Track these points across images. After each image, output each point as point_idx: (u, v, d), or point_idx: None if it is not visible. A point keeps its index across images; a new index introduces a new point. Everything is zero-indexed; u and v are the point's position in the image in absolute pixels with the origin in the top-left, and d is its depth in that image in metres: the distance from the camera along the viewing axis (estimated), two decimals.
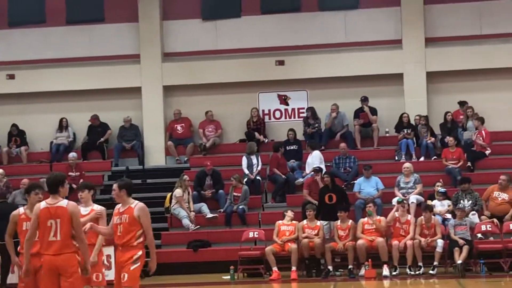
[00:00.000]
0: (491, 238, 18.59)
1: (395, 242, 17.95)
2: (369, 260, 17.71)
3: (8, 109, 24.19)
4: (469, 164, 21.07)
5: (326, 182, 19.23)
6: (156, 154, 23.68)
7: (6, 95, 24.07)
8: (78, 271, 9.46)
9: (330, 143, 22.76)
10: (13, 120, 23.96)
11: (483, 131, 21.60)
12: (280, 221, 18.71)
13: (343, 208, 18.60)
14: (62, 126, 23.69)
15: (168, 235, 20.41)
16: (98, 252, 10.77)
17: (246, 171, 21.59)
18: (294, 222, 18.69)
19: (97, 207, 10.92)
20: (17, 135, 23.95)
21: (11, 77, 24.03)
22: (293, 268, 17.93)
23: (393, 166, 21.38)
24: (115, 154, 23.43)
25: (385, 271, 17.71)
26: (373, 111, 22.88)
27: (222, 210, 20.67)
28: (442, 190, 19.40)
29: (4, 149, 23.84)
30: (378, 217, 18.47)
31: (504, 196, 18.97)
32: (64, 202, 9.53)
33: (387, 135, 23.07)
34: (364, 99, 22.81)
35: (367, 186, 20.27)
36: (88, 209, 10.90)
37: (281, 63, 23.47)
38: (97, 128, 23.66)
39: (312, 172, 20.41)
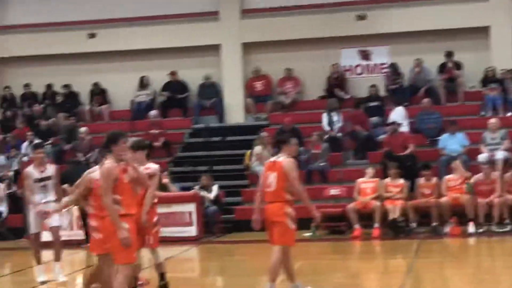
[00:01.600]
0: None
1: (480, 199, 17.51)
2: (454, 217, 17.33)
3: (90, 68, 24.40)
4: None
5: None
6: (235, 111, 23.61)
7: (88, 54, 24.27)
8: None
9: (413, 99, 22.27)
10: (95, 78, 24.20)
11: None
12: (361, 179, 18.46)
13: (426, 166, 18.23)
14: (143, 84, 23.78)
15: (248, 192, 20.34)
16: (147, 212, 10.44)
17: (327, 128, 21.32)
18: (375, 179, 18.42)
19: (152, 166, 10.49)
20: (99, 94, 24.19)
21: (92, 36, 24.22)
22: (376, 225, 17.68)
23: (479, 122, 20.81)
24: (195, 112, 23.44)
25: (471, 228, 17.32)
26: (458, 65, 22.27)
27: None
28: None
29: (87, 107, 24.11)
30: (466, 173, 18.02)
31: None
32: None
33: (472, 90, 22.45)
34: (448, 54, 22.21)
35: (452, 143, 19.75)
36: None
37: (362, 17, 23.02)
38: (176, 85, 23.68)
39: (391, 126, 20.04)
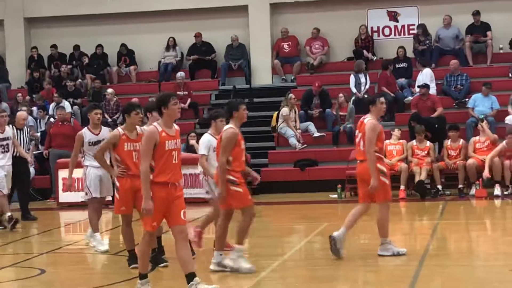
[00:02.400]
0: None
1: (507, 162, 17.43)
2: (480, 179, 17.28)
3: (117, 28, 24.42)
4: None
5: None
6: (263, 73, 23.57)
7: (115, 15, 24.27)
8: None
9: (441, 61, 22.11)
10: (122, 40, 24.23)
11: None
12: (387, 141, 18.39)
13: (454, 127, 18.16)
14: (170, 45, 23.78)
15: (275, 154, 20.42)
16: None
17: (354, 90, 21.27)
18: (401, 141, 18.39)
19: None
20: (126, 55, 24.25)
21: None
22: (402, 187, 17.68)
23: (508, 84, 20.66)
24: (222, 73, 23.44)
25: (497, 190, 17.26)
26: (486, 26, 22.06)
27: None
28: None
29: (114, 68, 24.20)
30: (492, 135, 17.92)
31: None
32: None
33: (501, 51, 22.23)
34: (476, 13, 21.98)
35: (483, 104, 19.62)
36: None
37: None
38: (201, 47, 23.66)
39: (420, 89, 19.94)
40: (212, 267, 9.91)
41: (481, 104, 19.69)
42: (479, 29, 22.05)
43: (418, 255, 10.64)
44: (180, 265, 8.51)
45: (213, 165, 10.50)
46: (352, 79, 21.47)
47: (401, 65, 21.89)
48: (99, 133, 11.83)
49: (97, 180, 11.70)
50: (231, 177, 9.70)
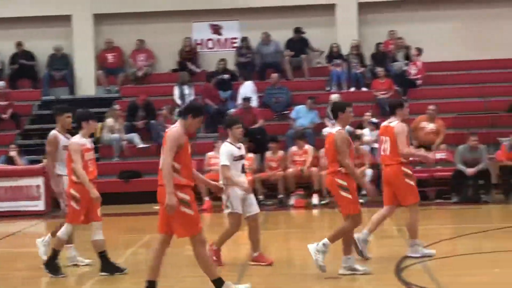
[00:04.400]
0: (418, 167, 18.89)
1: (323, 172, 18.18)
2: (299, 189, 17.92)
3: None
4: (402, 96, 21.26)
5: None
6: (86, 83, 23.45)
7: None
8: None
9: (262, 74, 22.77)
10: None
11: (418, 62, 21.81)
12: (210, 153, 18.79)
13: (274, 139, 18.75)
14: None
15: (99, 166, 20.26)
16: None
17: (178, 101, 21.53)
18: None
19: None
20: None
21: None
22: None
23: (325, 97, 21.52)
24: (44, 83, 23.10)
25: (315, 199, 17.99)
26: (305, 41, 22.92)
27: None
28: (374, 120, 19.63)
29: None
30: (307, 147, 18.58)
31: (432, 126, 19.28)
32: None
33: (319, 65, 23.16)
34: (296, 29, 22.81)
35: (306, 117, 20.33)
36: None
37: None
38: (23, 56, 23.22)
39: (243, 102, 20.50)
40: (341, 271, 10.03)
41: (304, 116, 20.43)
42: (298, 44, 22.85)
43: (238, 266, 10.98)
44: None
45: (235, 174, 10.59)
46: (176, 90, 21.74)
47: (224, 78, 22.36)
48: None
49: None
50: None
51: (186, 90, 21.72)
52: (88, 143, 10.47)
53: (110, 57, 23.47)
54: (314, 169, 18.16)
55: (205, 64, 23.49)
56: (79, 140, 10.40)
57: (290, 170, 18.33)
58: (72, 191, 10.38)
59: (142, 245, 13.29)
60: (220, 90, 21.97)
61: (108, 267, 10.46)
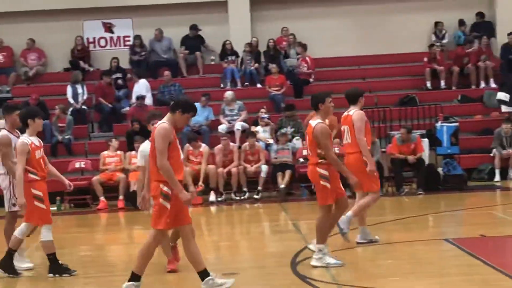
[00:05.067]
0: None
1: (220, 169, 18.31)
2: (199, 186, 17.95)
3: None
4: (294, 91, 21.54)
5: (135, 129, 19.15)
6: None
7: None
8: None
9: (156, 72, 22.72)
10: None
11: (307, 58, 22.16)
12: (105, 152, 18.66)
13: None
14: None
15: None
16: None
17: (71, 101, 21.30)
18: (119, 152, 18.72)
19: None
20: None
21: None
22: (120, 197, 18.01)
23: (220, 94, 21.64)
24: None
25: (212, 197, 18.09)
26: (201, 38, 22.99)
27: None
28: (265, 116, 19.83)
29: None
30: (202, 147, 18.55)
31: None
32: None
33: (213, 63, 23.26)
34: (192, 26, 22.83)
35: (201, 114, 20.37)
36: None
37: None
38: None
39: (137, 101, 20.44)
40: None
41: (199, 114, 20.43)
42: (193, 41, 22.89)
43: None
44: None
45: None
46: (69, 89, 21.49)
47: (118, 76, 22.21)
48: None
49: None
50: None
51: (79, 89, 21.50)
52: (36, 141, 10.22)
53: (0, 57, 23.02)
54: (210, 166, 18.23)
55: (98, 62, 23.30)
56: (27, 139, 10.15)
57: (187, 168, 18.34)
58: (34, 191, 10.13)
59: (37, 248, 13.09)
60: (115, 88, 21.82)
61: (58, 268, 10.33)
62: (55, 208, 17.87)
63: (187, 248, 8.55)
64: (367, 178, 10.92)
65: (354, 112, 11.03)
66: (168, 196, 8.38)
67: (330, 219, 10.05)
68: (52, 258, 10.29)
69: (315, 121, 9.75)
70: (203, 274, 8.57)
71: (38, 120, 10.28)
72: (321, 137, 9.65)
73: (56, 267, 10.29)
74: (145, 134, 18.77)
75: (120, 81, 22.06)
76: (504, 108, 20.62)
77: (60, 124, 20.39)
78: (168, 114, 8.59)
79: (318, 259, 9.87)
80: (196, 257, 8.56)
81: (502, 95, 20.58)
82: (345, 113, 11.23)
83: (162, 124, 8.44)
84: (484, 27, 23.28)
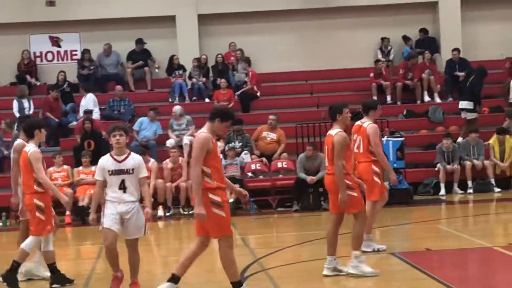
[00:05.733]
0: (261, 177, 19.29)
1: (168, 183, 18.29)
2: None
3: None
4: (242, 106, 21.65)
5: (87, 128, 19.12)
6: None
7: None
8: None
9: (104, 86, 22.65)
10: None
11: (249, 73, 22.27)
12: (51, 168, 18.47)
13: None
14: None
15: None
16: None
17: (18, 115, 21.09)
18: (66, 167, 18.59)
19: None
20: None
21: None
22: (67, 212, 17.87)
23: (168, 108, 21.63)
24: None
25: (160, 211, 18.04)
26: (147, 53, 23.00)
27: None
28: None
29: None
30: (150, 163, 18.46)
31: (273, 135, 19.73)
32: None
33: (157, 71, 23.31)
34: (139, 41, 22.83)
35: (148, 129, 20.35)
36: None
37: (52, 3, 22.95)
38: None
39: (85, 115, 20.35)
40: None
41: (147, 128, 20.45)
42: (140, 55, 22.89)
43: (83, 278, 10.94)
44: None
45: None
46: (15, 104, 21.30)
47: (65, 90, 22.07)
48: None
49: None
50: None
51: (26, 103, 21.33)
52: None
53: None
54: (159, 181, 18.19)
55: (45, 77, 23.17)
56: (36, 148, 10.22)
57: None
58: (36, 201, 10.06)
59: None
60: (62, 102, 21.68)
61: (59, 278, 10.32)
62: (0, 223, 17.70)
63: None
64: (374, 187, 11.48)
65: (368, 125, 11.56)
66: (220, 204, 8.59)
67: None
68: (53, 268, 10.37)
69: (334, 131, 10.08)
70: (237, 285, 8.83)
71: (44, 131, 10.43)
72: (337, 147, 9.89)
73: (57, 277, 10.33)
74: (100, 141, 18.75)
75: (67, 95, 21.87)
76: (469, 116, 20.62)
77: (6, 139, 20.16)
78: (207, 123, 8.78)
79: (354, 267, 9.99)
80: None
81: (464, 104, 20.69)
82: (358, 122, 11.75)
83: (202, 134, 8.66)
84: (428, 43, 23.65)
